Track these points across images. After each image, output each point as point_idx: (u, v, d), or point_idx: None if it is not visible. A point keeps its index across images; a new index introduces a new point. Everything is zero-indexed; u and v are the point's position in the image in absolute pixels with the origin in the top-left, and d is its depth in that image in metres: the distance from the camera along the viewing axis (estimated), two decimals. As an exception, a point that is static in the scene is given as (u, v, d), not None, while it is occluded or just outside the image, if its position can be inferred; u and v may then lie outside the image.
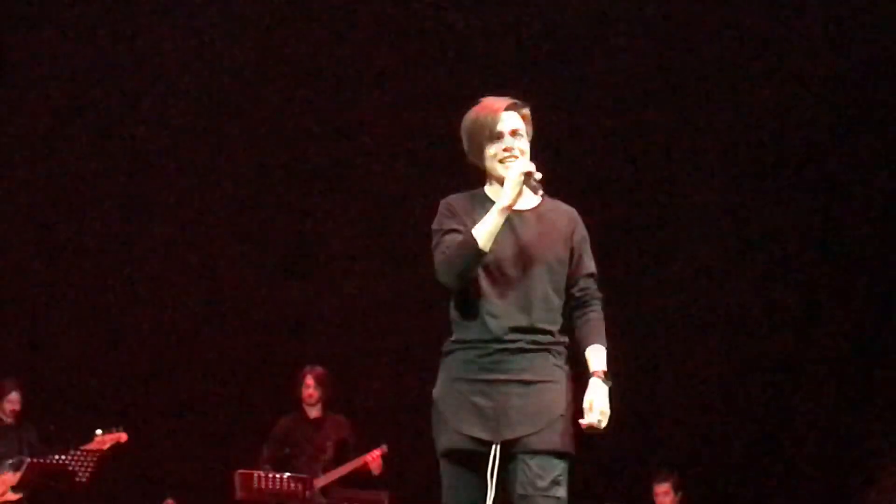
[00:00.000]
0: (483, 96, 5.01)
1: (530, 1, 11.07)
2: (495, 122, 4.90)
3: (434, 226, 4.94)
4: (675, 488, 10.07)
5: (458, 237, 4.81)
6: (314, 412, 10.09)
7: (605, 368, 4.87)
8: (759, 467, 10.60)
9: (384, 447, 9.88)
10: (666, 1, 10.92)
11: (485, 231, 4.76)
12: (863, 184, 10.56)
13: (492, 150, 4.92)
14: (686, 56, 10.82)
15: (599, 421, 4.81)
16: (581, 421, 4.82)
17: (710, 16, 10.78)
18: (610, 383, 4.86)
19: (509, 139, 4.90)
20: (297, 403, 10.12)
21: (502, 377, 4.81)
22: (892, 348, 10.36)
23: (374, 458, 9.82)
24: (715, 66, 10.78)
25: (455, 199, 4.99)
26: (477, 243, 4.74)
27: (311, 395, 10.03)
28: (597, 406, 4.80)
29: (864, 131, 10.55)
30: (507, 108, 4.92)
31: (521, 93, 5.04)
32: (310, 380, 10.04)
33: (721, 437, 10.66)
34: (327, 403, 10.10)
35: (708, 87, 10.80)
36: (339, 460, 9.92)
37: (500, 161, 4.90)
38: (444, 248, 4.83)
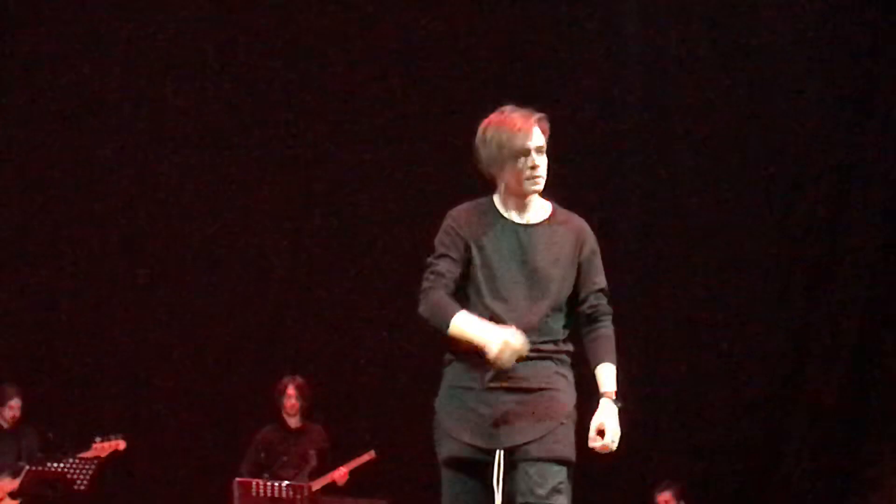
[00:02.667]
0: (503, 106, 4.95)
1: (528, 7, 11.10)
2: (526, 139, 4.84)
3: (436, 241, 4.92)
4: (678, 497, 10.06)
5: (443, 278, 4.79)
6: (294, 422, 10.13)
7: (615, 389, 4.87)
8: (761, 475, 10.58)
9: (372, 452, 9.90)
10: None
11: (462, 329, 4.71)
12: (864, 184, 10.56)
13: (518, 166, 4.86)
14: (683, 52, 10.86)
15: (613, 442, 4.84)
16: (594, 445, 4.84)
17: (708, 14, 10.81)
18: (620, 404, 4.87)
19: (535, 157, 4.86)
20: (277, 414, 10.14)
21: (503, 385, 4.80)
22: (892, 351, 10.34)
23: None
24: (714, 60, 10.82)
25: (460, 213, 4.95)
26: (448, 327, 4.72)
27: (293, 406, 10.07)
28: (609, 429, 4.82)
29: (865, 132, 10.56)
30: (536, 122, 4.87)
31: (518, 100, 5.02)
32: (291, 390, 10.07)
33: (723, 445, 10.64)
34: (306, 413, 10.13)
35: (708, 88, 10.81)
36: (321, 469, 9.94)
37: (527, 179, 4.86)
38: (430, 284, 4.80)
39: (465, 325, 4.73)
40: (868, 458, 10.22)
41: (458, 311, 4.75)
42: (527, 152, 4.85)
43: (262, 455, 9.96)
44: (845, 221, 10.54)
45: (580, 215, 5.02)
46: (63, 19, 11.17)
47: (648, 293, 10.83)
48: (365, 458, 9.93)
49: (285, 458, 9.93)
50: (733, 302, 10.72)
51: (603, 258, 5.03)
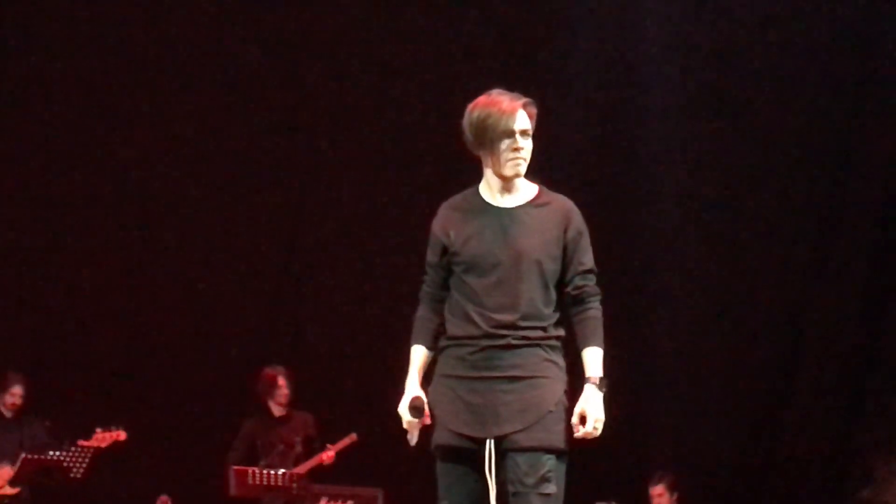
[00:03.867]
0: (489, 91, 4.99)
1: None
2: (510, 121, 4.88)
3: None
4: (671, 489, 10.07)
5: (427, 289, 5.01)
6: (280, 410, 10.16)
7: (600, 374, 4.86)
8: (755, 466, 10.60)
9: (353, 435, 9.92)
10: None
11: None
12: (859, 182, 10.57)
13: (502, 147, 4.90)
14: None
15: (595, 429, 4.83)
16: (576, 434, 4.84)
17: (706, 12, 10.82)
18: (604, 389, 4.85)
19: (519, 139, 4.90)
20: (262, 403, 10.18)
21: (491, 374, 4.82)
22: (885, 344, 10.35)
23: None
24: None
25: (443, 211, 5.03)
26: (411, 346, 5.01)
27: (285, 396, 10.11)
28: (591, 415, 4.81)
29: (861, 131, 10.58)
30: (523, 108, 4.91)
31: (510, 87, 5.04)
32: (282, 380, 10.11)
33: (716, 436, 10.65)
34: (292, 401, 10.17)
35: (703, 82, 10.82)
36: (308, 455, 9.99)
37: (509, 160, 4.90)
38: (421, 296, 5.04)
39: (410, 361, 5.00)
40: (860, 450, 10.24)
41: (418, 342, 5.00)
42: (510, 134, 4.89)
43: (254, 444, 9.99)
44: (845, 201, 10.55)
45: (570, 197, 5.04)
46: (61, 24, 11.19)
47: (643, 282, 10.83)
48: (346, 441, 9.97)
49: (273, 447, 9.97)
50: (729, 295, 10.72)
51: (597, 246, 5.05)
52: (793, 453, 10.46)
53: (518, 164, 4.93)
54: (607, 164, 10.97)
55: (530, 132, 4.94)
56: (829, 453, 10.35)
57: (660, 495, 10.07)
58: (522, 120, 4.91)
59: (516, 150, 4.90)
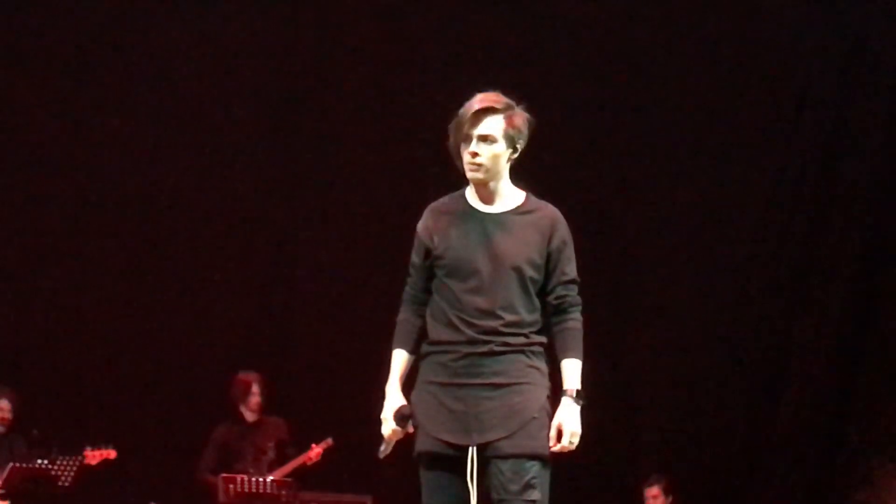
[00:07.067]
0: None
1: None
2: (469, 124, 4.81)
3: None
4: (666, 491, 10.05)
5: (410, 293, 4.97)
6: (252, 416, 10.16)
7: (577, 387, 4.83)
8: (750, 468, 10.60)
9: (329, 440, 9.92)
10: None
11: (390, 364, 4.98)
12: (849, 182, 10.61)
13: (461, 151, 4.87)
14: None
15: (571, 444, 4.81)
16: (553, 448, 4.81)
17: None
18: (582, 402, 4.82)
19: (476, 144, 4.83)
20: (234, 409, 10.17)
21: (474, 381, 4.79)
22: (878, 346, 10.35)
23: (316, 455, 9.90)
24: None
25: (429, 213, 5.00)
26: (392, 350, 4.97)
27: (258, 403, 10.11)
28: (567, 429, 4.79)
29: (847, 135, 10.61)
30: (484, 111, 4.82)
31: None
32: (256, 388, 10.10)
33: (711, 438, 10.65)
34: (265, 407, 10.17)
35: (690, 85, 10.83)
36: (280, 460, 9.97)
37: (466, 164, 4.86)
38: (403, 299, 5.00)
39: (391, 365, 4.96)
40: (856, 453, 10.25)
41: (399, 346, 4.96)
42: (468, 139, 4.83)
43: (226, 450, 9.98)
44: (834, 194, 10.57)
45: (556, 205, 5.00)
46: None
47: (634, 288, 10.84)
48: (324, 445, 9.97)
49: (245, 452, 9.96)
50: (720, 296, 10.72)
51: (586, 252, 5.03)
52: (789, 455, 10.46)
53: (475, 171, 4.86)
54: (599, 171, 10.97)
55: (497, 137, 4.82)
56: (827, 455, 10.34)
57: (655, 497, 10.05)
58: (487, 125, 4.82)
59: (472, 155, 4.83)
